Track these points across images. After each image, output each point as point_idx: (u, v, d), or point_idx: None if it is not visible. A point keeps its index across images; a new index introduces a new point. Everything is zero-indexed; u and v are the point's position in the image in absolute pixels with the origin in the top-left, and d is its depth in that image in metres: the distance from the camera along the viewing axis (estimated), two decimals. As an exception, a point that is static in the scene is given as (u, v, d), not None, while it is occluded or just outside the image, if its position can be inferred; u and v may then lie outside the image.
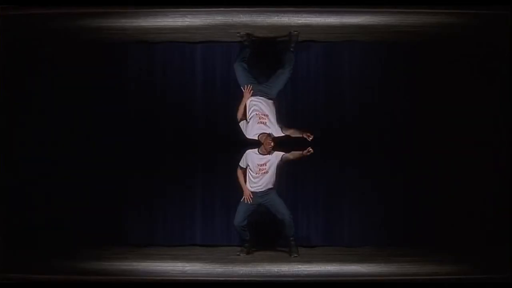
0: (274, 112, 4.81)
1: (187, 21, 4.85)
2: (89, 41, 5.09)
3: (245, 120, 4.84)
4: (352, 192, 5.19)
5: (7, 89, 4.98)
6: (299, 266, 4.70)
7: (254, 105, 4.79)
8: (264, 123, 4.78)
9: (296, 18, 4.80)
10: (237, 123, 4.89)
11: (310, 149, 4.66)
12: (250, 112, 4.81)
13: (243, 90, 4.82)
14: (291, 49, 4.90)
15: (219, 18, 4.80)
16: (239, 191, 4.85)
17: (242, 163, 4.87)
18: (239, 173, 4.85)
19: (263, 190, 4.83)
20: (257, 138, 4.81)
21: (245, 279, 4.55)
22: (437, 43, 5.06)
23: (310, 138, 4.68)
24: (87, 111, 5.13)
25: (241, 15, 4.76)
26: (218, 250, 5.03)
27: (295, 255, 4.77)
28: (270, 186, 4.85)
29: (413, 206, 5.10)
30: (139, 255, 4.92)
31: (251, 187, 4.82)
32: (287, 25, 4.88)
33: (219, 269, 4.66)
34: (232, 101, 5.07)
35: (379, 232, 5.12)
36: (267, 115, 4.79)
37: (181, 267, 4.70)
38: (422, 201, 5.08)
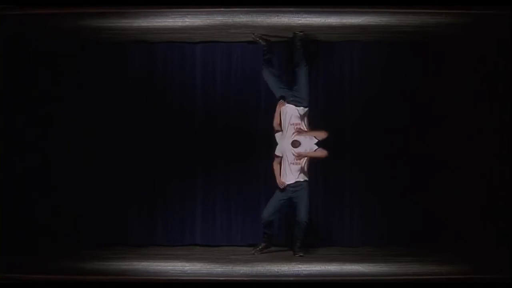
0: (305, 120, 4.85)
1: (187, 21, 4.85)
2: (89, 41, 5.09)
3: (281, 132, 4.87)
4: (352, 192, 5.19)
5: (7, 89, 4.98)
6: (299, 266, 4.70)
7: (289, 115, 4.83)
8: (299, 133, 4.82)
9: (296, 18, 4.80)
10: (236, 121, 4.90)
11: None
12: (286, 124, 4.84)
13: (277, 98, 4.87)
14: (298, 47, 4.89)
15: (219, 18, 4.79)
16: (239, 189, 4.86)
17: (277, 152, 4.90)
18: (275, 163, 4.89)
19: (297, 180, 4.85)
20: (292, 153, 4.83)
21: (245, 279, 4.55)
22: (437, 43, 5.06)
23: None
24: (86, 111, 5.13)
25: (241, 15, 4.75)
26: (218, 250, 5.03)
27: (300, 254, 4.76)
28: (304, 177, 4.87)
29: (413, 206, 5.10)
30: (139, 255, 4.92)
31: (286, 180, 4.86)
32: (287, 25, 4.88)
33: (219, 269, 4.66)
34: (232, 101, 5.07)
35: (379, 232, 5.12)
36: (300, 125, 4.83)
37: (181, 267, 4.69)
38: (422, 201, 5.08)
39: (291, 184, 4.87)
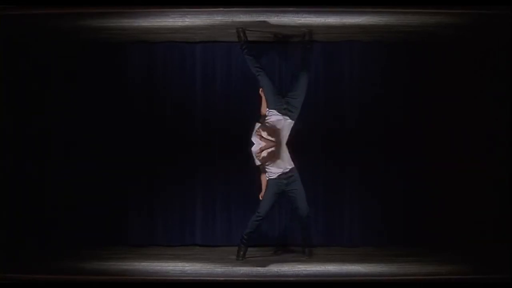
0: (287, 134, 4.70)
1: (187, 21, 4.85)
2: (89, 41, 5.08)
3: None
4: (352, 192, 5.19)
5: (7, 89, 4.97)
6: (299, 266, 4.70)
7: (272, 119, 4.70)
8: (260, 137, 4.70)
9: (296, 18, 4.80)
10: (236, 121, 4.90)
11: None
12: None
13: (262, 96, 4.74)
14: (308, 47, 4.84)
15: (219, 18, 4.79)
16: (239, 189, 4.87)
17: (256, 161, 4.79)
18: (262, 175, 4.80)
19: (283, 172, 4.67)
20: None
21: (245, 279, 4.54)
22: (437, 43, 5.06)
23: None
24: (86, 111, 5.13)
25: (241, 15, 4.75)
26: (218, 250, 5.03)
27: (307, 257, 4.75)
28: (288, 166, 4.68)
29: (413, 206, 5.10)
30: (139, 255, 4.92)
31: (269, 176, 4.70)
32: (287, 25, 4.88)
33: (219, 269, 4.66)
34: (232, 101, 5.07)
35: (379, 232, 5.12)
36: (278, 130, 4.69)
37: (181, 267, 4.69)
38: (422, 201, 5.08)
39: (282, 175, 4.68)
